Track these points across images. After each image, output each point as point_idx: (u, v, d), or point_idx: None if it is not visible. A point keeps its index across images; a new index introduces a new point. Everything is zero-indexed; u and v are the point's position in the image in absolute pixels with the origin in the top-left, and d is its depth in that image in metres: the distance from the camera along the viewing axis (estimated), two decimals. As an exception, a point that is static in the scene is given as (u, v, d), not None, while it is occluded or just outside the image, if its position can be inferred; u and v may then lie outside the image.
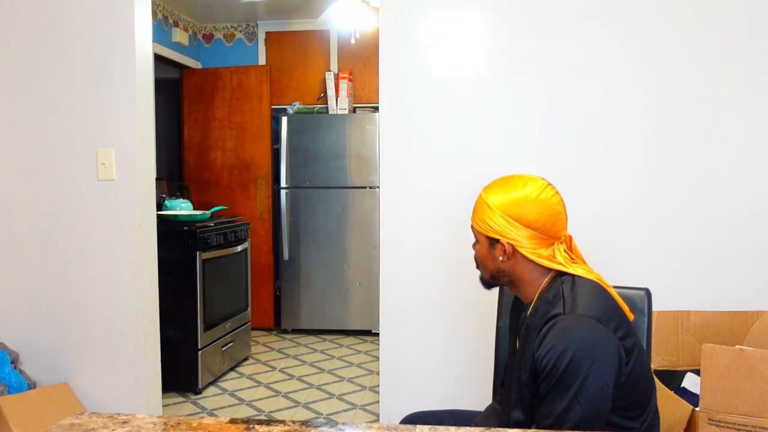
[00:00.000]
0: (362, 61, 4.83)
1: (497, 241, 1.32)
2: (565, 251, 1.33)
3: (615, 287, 1.33)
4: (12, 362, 2.43)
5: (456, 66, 2.39)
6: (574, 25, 2.33)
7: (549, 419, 1.19)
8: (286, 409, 3.23)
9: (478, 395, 2.19)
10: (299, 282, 4.72)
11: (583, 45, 2.32)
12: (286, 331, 4.80)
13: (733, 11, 2.25)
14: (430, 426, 1.09)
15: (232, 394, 3.43)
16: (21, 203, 2.50)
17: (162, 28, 4.52)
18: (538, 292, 1.33)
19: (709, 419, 1.79)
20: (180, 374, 3.34)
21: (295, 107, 4.80)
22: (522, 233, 1.30)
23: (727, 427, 1.77)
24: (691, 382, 2.08)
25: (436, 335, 2.47)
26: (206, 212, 3.67)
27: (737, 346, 1.89)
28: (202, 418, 1.16)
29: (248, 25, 5.08)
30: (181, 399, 3.34)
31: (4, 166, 2.51)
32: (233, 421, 1.12)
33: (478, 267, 1.44)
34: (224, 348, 3.67)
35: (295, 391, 3.49)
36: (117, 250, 2.44)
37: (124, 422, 1.12)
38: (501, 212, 1.31)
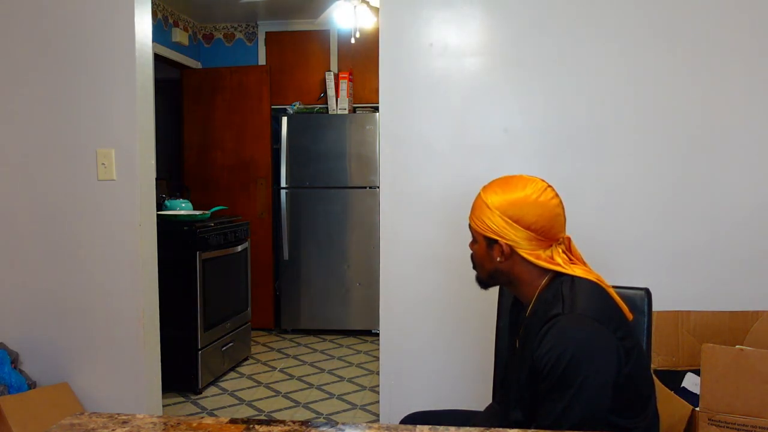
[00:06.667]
0: (362, 61, 4.82)
1: (495, 241, 1.32)
2: (563, 252, 1.33)
3: (615, 287, 1.33)
4: (12, 362, 2.43)
5: (456, 66, 2.39)
6: (573, 24, 2.33)
7: (549, 419, 1.19)
8: (286, 409, 3.23)
9: (478, 395, 2.19)
10: (299, 282, 4.72)
11: (584, 44, 2.32)
12: (286, 331, 4.80)
13: (733, 11, 2.25)
14: (430, 426, 1.09)
15: (232, 394, 3.43)
16: (21, 203, 2.50)
17: (162, 28, 4.52)
18: (537, 292, 1.32)
19: (709, 419, 1.79)
20: (180, 374, 3.34)
21: (295, 107, 4.80)
22: (520, 234, 1.29)
23: (727, 427, 1.77)
24: (691, 382, 2.08)
25: (437, 335, 2.47)
26: (206, 212, 3.67)
27: (737, 346, 1.89)
28: (202, 418, 1.16)
29: (248, 25, 5.08)
30: (181, 399, 3.34)
31: (4, 166, 2.50)
32: (233, 421, 1.12)
33: (474, 266, 1.43)
34: (224, 348, 3.67)
35: (295, 391, 3.49)
36: (117, 250, 2.44)
37: (124, 422, 1.12)
38: (500, 213, 1.30)
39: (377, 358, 3.51)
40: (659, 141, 2.31)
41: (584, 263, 1.35)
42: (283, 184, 4.69)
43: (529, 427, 1.28)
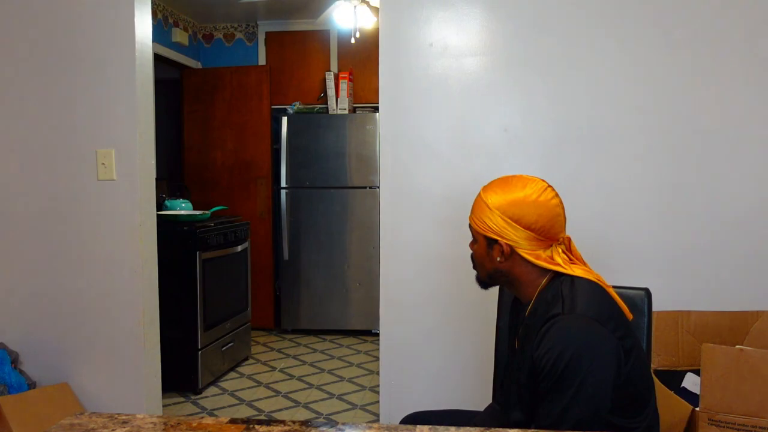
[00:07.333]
0: (362, 61, 4.82)
1: (495, 241, 1.32)
2: (563, 252, 1.33)
3: (615, 287, 1.33)
4: (12, 362, 2.43)
5: (456, 66, 2.39)
6: (574, 24, 2.33)
7: (548, 419, 1.19)
8: (286, 409, 3.23)
9: (478, 395, 2.19)
10: (299, 282, 4.72)
11: (584, 44, 2.32)
12: (286, 331, 4.80)
13: (734, 11, 2.26)
14: (430, 426, 1.09)
15: (232, 394, 3.43)
16: (21, 203, 2.50)
17: (162, 28, 4.52)
18: (537, 292, 1.32)
19: (709, 419, 1.79)
20: (180, 374, 3.34)
21: (295, 107, 4.80)
22: (521, 234, 1.29)
23: (727, 427, 1.77)
24: (691, 382, 2.08)
25: (437, 335, 2.47)
26: (206, 212, 3.67)
27: (737, 346, 1.89)
28: (202, 418, 1.16)
29: (248, 25, 5.08)
30: (181, 399, 3.34)
31: (5, 165, 2.50)
32: (233, 421, 1.12)
33: (475, 266, 1.43)
34: (224, 348, 3.67)
35: (295, 391, 3.49)
36: (117, 250, 2.44)
37: (124, 422, 1.12)
38: (500, 213, 1.30)
39: (377, 358, 3.51)
40: (660, 141, 2.31)
41: (584, 263, 1.35)
42: (283, 184, 4.69)
43: (529, 427, 1.28)
